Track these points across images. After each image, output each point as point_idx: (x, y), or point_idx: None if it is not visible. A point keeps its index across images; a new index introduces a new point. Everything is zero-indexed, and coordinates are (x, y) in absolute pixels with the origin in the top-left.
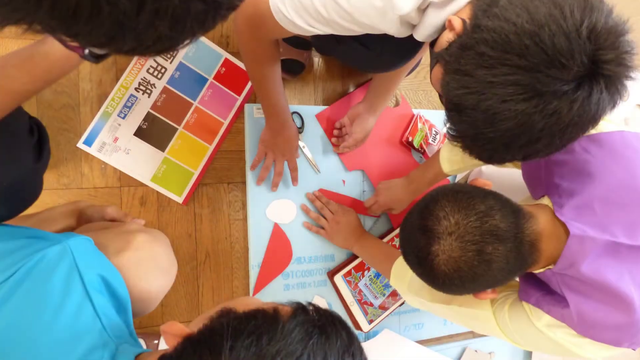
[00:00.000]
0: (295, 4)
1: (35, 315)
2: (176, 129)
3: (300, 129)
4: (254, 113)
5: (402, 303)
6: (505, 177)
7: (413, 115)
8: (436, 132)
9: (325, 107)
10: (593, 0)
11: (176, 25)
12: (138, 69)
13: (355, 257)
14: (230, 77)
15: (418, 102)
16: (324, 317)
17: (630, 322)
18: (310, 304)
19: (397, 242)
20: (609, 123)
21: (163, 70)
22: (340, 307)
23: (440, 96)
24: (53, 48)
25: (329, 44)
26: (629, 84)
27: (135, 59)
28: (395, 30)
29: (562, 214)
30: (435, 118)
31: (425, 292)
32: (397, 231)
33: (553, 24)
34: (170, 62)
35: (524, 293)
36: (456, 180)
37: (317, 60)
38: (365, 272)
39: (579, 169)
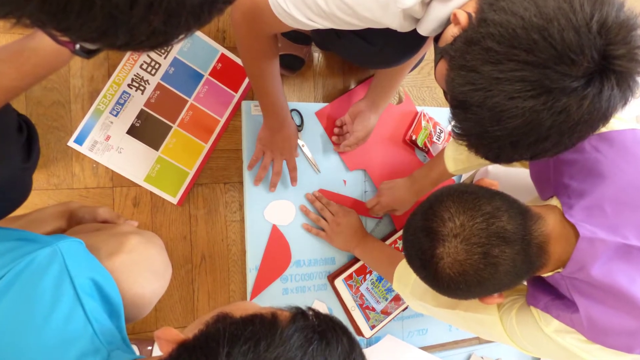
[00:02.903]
0: None
1: (24, 320)
2: (170, 127)
3: (300, 127)
4: (251, 110)
5: (405, 308)
6: (512, 177)
7: (417, 112)
8: (441, 130)
9: (326, 104)
10: None
11: (171, 19)
12: (131, 64)
13: (356, 260)
14: (226, 73)
15: (422, 99)
16: (324, 323)
17: None
18: (310, 308)
19: (400, 244)
20: (620, 121)
21: (157, 66)
22: (341, 312)
23: (444, 93)
24: (43, 43)
25: (329, 39)
26: None
27: (128, 54)
28: (398, 24)
29: (571, 215)
30: (440, 115)
31: (429, 297)
32: (400, 233)
33: (562, 17)
34: (165, 58)
35: (531, 297)
36: (461, 180)
37: (317, 55)
38: (367, 275)
39: (589, 169)
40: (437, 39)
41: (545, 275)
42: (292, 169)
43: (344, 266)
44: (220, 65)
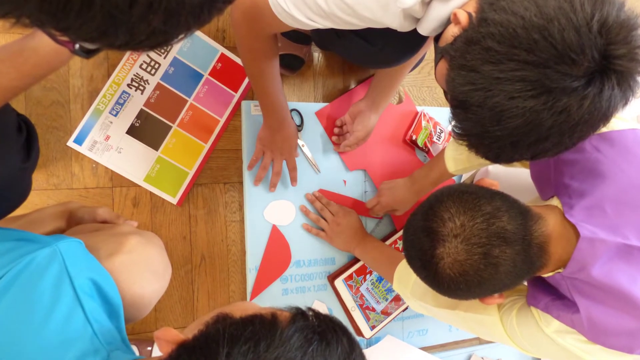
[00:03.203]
0: None
1: (23, 321)
2: (170, 127)
3: (300, 127)
4: (251, 110)
5: (406, 308)
6: (512, 177)
7: (417, 112)
8: (441, 130)
9: (326, 104)
10: None
11: (170, 18)
12: (131, 64)
13: (356, 260)
14: (226, 72)
15: (422, 99)
16: (324, 323)
17: None
18: (309, 309)
19: (400, 244)
20: (620, 121)
21: (157, 66)
22: (341, 312)
23: (445, 93)
24: (42, 42)
25: (329, 39)
26: None
27: (127, 54)
28: (398, 24)
29: (572, 215)
30: (440, 115)
31: (430, 297)
32: (400, 233)
33: (563, 17)
34: (164, 58)
35: (532, 298)
36: (462, 181)
37: (317, 55)
38: (367, 276)
39: (589, 169)
40: (437, 38)
41: (545, 275)
42: (292, 169)
43: (344, 266)
44: (220, 65)
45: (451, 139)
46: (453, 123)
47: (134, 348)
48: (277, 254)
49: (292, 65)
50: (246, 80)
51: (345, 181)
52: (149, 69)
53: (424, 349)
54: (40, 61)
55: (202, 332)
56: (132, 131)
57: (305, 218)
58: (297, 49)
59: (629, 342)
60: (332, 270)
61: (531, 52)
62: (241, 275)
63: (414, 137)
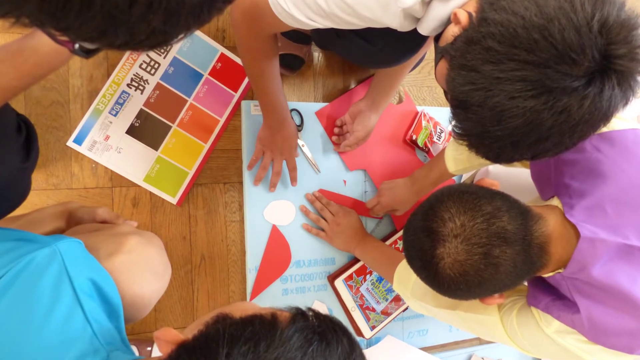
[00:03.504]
0: None
1: (23, 321)
2: (170, 127)
3: (300, 127)
4: (251, 110)
5: (406, 308)
6: (513, 177)
7: (417, 112)
8: (441, 130)
9: (326, 104)
10: None
11: (170, 18)
12: (130, 64)
13: (356, 260)
14: (226, 72)
15: (422, 98)
16: (324, 323)
17: None
18: (309, 309)
19: (400, 244)
20: (621, 120)
21: (156, 66)
22: (341, 313)
23: (445, 93)
24: (42, 42)
25: (329, 39)
26: None
27: (127, 54)
28: (398, 23)
29: (572, 215)
30: (440, 115)
31: (430, 297)
32: (400, 233)
33: (563, 17)
34: (164, 57)
35: (532, 298)
36: (462, 181)
37: (317, 55)
38: (367, 276)
39: (590, 169)
40: (437, 38)
41: (546, 275)
42: (292, 169)
43: (344, 266)
44: (219, 64)
45: (451, 139)
46: (453, 123)
47: (134, 348)
48: (277, 254)
49: (292, 65)
50: (246, 80)
51: (345, 181)
52: (148, 68)
53: (424, 349)
54: (40, 61)
55: (202, 332)
56: (131, 131)
57: (305, 218)
58: (297, 49)
59: (630, 342)
60: (332, 271)
61: (531, 52)
62: (241, 275)
63: (414, 137)
